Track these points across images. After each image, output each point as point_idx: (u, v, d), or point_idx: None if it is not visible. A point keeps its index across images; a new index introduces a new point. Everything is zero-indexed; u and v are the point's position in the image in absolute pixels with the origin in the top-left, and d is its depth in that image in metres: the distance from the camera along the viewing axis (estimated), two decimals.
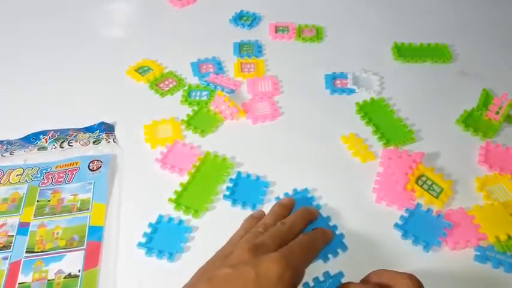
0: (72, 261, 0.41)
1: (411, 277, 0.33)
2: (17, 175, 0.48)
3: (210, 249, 0.38)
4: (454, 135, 0.53)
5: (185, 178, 0.48)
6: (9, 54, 0.66)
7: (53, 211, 0.45)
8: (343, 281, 0.39)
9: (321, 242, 0.40)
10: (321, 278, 0.39)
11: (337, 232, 0.43)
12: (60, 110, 0.56)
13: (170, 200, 0.46)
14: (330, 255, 0.41)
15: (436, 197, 0.46)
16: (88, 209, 0.45)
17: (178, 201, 0.46)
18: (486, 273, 0.40)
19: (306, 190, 0.47)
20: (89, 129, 0.53)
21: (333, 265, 0.41)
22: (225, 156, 0.50)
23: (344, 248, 0.42)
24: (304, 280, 0.38)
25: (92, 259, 0.41)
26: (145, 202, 0.46)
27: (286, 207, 0.43)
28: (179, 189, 0.47)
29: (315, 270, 0.40)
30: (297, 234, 0.39)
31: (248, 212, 0.45)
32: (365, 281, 0.37)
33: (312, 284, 0.39)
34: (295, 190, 0.47)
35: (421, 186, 0.46)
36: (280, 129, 0.54)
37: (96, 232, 0.43)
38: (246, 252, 0.35)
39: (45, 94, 0.59)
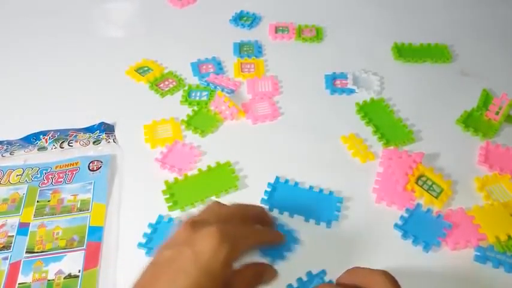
0: (72, 262, 0.41)
1: (385, 273, 0.33)
2: (17, 175, 0.48)
3: None
4: (454, 135, 0.53)
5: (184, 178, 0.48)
6: (9, 54, 0.66)
7: (53, 211, 0.45)
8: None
9: (268, 233, 0.40)
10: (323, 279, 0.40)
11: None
12: (60, 110, 0.56)
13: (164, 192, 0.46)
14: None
15: (436, 197, 0.46)
16: (88, 209, 0.45)
17: (170, 191, 0.46)
18: (486, 273, 0.40)
19: (339, 199, 0.46)
20: (89, 130, 0.53)
21: (332, 265, 0.40)
22: (235, 173, 0.49)
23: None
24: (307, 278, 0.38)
25: (92, 259, 0.41)
26: (145, 202, 0.46)
27: (246, 208, 0.41)
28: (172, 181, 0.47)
29: (315, 269, 0.40)
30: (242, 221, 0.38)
31: None
32: (340, 282, 0.36)
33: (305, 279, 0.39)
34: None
35: (421, 187, 0.46)
36: (280, 129, 0.54)
37: (96, 232, 0.43)
38: (184, 229, 0.35)
39: (45, 94, 0.59)
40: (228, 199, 0.44)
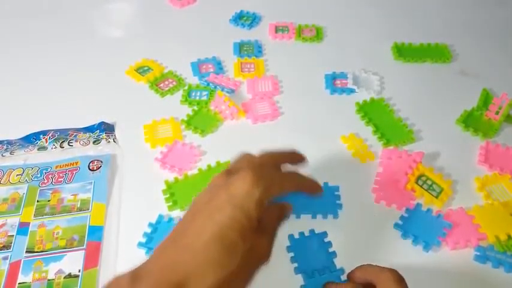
0: (72, 261, 0.41)
1: (394, 272, 0.34)
2: (17, 175, 0.48)
3: None
4: (454, 135, 0.53)
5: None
6: (9, 54, 0.66)
7: (53, 211, 0.45)
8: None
9: (304, 181, 0.41)
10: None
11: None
12: (60, 110, 0.56)
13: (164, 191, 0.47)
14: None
15: (436, 197, 0.46)
16: (88, 209, 0.45)
17: (170, 190, 0.47)
18: (486, 273, 0.40)
19: (335, 187, 0.47)
20: (89, 129, 0.53)
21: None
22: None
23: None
24: None
25: (92, 259, 0.41)
26: (145, 202, 0.46)
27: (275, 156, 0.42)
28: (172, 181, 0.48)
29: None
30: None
31: None
32: (350, 277, 0.38)
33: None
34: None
35: (421, 186, 0.46)
36: (280, 129, 0.54)
37: (96, 232, 0.43)
38: (220, 175, 0.36)
39: (45, 94, 0.59)
40: None
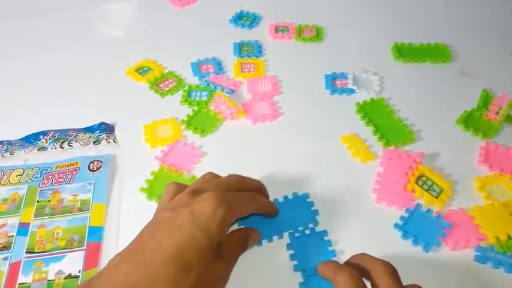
0: (72, 262, 0.41)
1: (386, 264, 0.34)
2: (17, 175, 0.48)
3: None
4: (454, 135, 0.53)
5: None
6: (9, 54, 0.66)
7: (53, 211, 0.45)
8: None
9: (264, 202, 0.41)
10: None
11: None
12: (60, 110, 0.56)
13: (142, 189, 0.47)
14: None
15: (436, 197, 0.46)
16: (88, 209, 0.45)
17: (150, 190, 0.47)
18: (486, 274, 0.40)
19: (305, 195, 0.46)
20: (89, 130, 0.53)
21: None
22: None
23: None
24: None
25: (92, 259, 0.41)
26: (145, 202, 0.46)
27: (237, 180, 0.42)
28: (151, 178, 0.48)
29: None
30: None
31: None
32: (346, 263, 0.38)
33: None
34: (294, 194, 0.46)
35: (421, 187, 0.46)
36: (280, 129, 0.54)
37: (96, 232, 0.43)
38: (184, 195, 0.37)
39: (45, 94, 0.59)
40: None
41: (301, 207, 0.45)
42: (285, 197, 0.46)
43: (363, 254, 0.37)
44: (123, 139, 0.53)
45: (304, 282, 0.39)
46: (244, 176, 0.42)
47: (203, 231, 0.33)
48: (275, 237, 0.42)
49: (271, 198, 0.45)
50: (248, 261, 0.40)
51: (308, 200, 0.46)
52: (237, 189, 0.40)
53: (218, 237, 0.35)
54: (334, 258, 0.41)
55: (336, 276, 0.33)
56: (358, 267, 0.35)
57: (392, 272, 0.33)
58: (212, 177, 0.41)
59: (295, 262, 0.40)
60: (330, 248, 0.42)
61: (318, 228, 0.43)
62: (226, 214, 0.35)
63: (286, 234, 0.43)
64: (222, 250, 0.36)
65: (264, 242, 0.42)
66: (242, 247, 0.39)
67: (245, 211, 0.39)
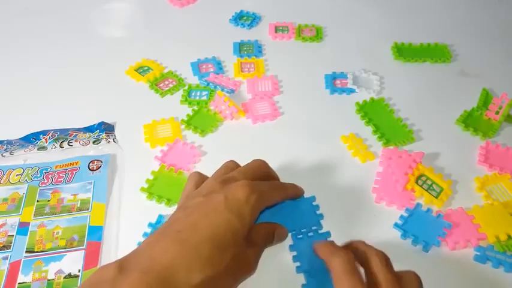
0: (72, 261, 0.41)
1: (380, 253, 0.35)
2: (17, 175, 0.48)
3: None
4: (454, 135, 0.53)
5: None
6: (9, 54, 0.66)
7: (53, 211, 0.45)
8: None
9: (290, 188, 0.43)
10: None
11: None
12: (60, 109, 0.56)
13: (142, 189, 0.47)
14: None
15: (436, 197, 0.46)
16: (88, 209, 0.45)
17: (150, 190, 0.47)
18: (486, 273, 0.40)
19: (312, 197, 0.45)
20: (89, 129, 0.53)
21: None
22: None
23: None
24: None
25: (91, 259, 0.41)
26: (145, 202, 0.46)
27: (261, 165, 0.43)
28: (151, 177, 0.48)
29: None
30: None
31: None
32: (344, 246, 0.38)
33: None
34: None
35: (421, 186, 0.46)
36: (280, 129, 0.54)
37: (96, 232, 0.43)
38: (216, 183, 0.38)
39: (45, 94, 0.59)
40: None
41: (306, 209, 0.45)
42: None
43: (360, 241, 0.37)
44: (123, 139, 0.53)
45: (307, 284, 0.39)
46: (255, 165, 0.43)
47: (237, 216, 0.34)
48: None
49: None
50: None
51: (314, 203, 0.45)
52: (262, 175, 0.41)
53: (250, 223, 0.36)
54: None
55: (332, 258, 0.34)
56: (354, 252, 0.36)
57: (387, 262, 0.34)
58: (234, 165, 0.42)
59: (297, 264, 0.40)
60: None
61: (320, 231, 0.43)
62: (258, 201, 0.36)
63: (289, 236, 0.43)
64: (251, 237, 0.37)
65: None
66: (269, 239, 0.40)
67: (274, 199, 0.40)
